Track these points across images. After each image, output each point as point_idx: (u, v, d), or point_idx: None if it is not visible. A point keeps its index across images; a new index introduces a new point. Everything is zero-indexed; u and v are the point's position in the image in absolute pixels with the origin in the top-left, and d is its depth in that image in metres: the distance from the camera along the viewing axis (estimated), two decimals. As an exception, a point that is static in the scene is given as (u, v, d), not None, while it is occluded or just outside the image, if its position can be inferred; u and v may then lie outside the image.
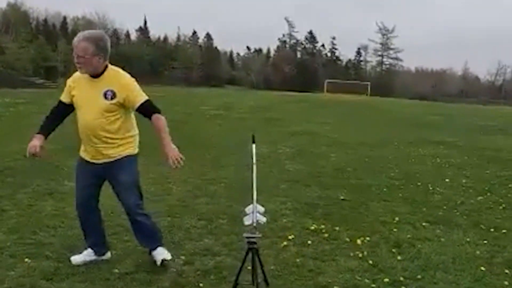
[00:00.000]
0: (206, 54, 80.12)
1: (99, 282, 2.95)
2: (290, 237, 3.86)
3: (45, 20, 64.25)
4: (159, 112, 3.13)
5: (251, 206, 2.91)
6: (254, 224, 2.84)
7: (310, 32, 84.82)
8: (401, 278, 3.14)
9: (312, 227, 4.16)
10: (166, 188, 5.47)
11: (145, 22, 79.61)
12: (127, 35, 79.54)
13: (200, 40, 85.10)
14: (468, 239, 4.04)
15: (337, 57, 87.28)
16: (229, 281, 2.92)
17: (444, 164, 8.05)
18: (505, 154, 9.59)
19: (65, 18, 68.00)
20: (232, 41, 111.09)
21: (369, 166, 7.59)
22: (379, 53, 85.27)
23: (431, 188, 6.00)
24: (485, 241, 4.01)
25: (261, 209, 2.91)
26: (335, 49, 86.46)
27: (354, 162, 7.86)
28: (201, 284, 2.95)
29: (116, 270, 3.12)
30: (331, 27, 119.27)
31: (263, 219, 2.90)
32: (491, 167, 7.95)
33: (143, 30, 79.60)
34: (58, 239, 3.65)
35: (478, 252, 3.73)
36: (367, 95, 64.53)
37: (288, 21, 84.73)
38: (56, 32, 61.52)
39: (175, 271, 3.15)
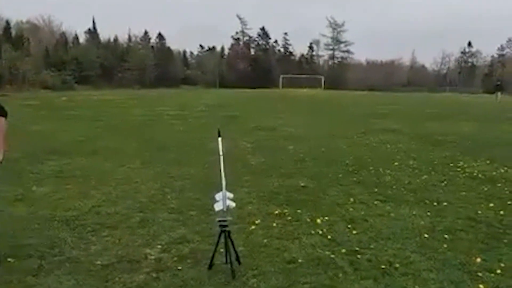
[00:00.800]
0: (159, 54, 78.97)
1: (83, 273, 3.17)
2: (256, 222, 4.21)
3: (-14, 25, 61.18)
4: (4, 115, 3.49)
5: (221, 193, 3.24)
6: (225, 209, 3.18)
7: (263, 29, 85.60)
8: (356, 248, 3.57)
9: (276, 212, 4.54)
10: (134, 187, 5.67)
11: (94, 24, 77.44)
12: (76, 37, 77.01)
13: (152, 40, 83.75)
14: (414, 213, 4.55)
15: (291, 52, 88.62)
16: (205, 263, 3.23)
17: (393, 150, 8.68)
18: (446, 137, 10.41)
19: (7, 22, 64.97)
20: (185, 40, 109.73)
21: (325, 156, 8.07)
22: (331, 47, 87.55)
23: (382, 171, 6.54)
24: (429, 213, 4.53)
25: (230, 195, 3.25)
26: (288, 44, 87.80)
27: (311, 153, 8.32)
28: (179, 267, 3.24)
29: (99, 262, 3.35)
30: (283, 23, 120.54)
31: (233, 204, 3.25)
32: (436, 150, 8.67)
33: (92, 32, 77.34)
34: (36, 239, 3.81)
35: (422, 223, 4.23)
36: (321, 88, 66.16)
37: (240, 18, 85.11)
38: (-2, 37, 58.77)
39: (154, 258, 3.42)
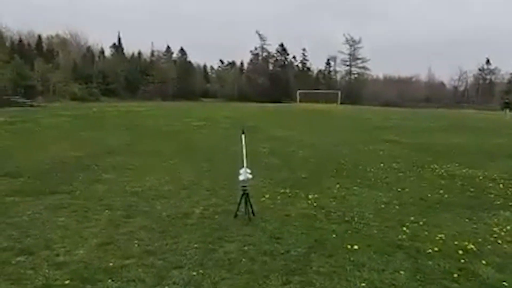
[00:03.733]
0: (180, 68, 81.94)
1: (155, 219, 5.00)
2: (266, 196, 6.03)
3: (20, 40, 64.97)
4: None
5: (243, 169, 5.07)
6: (245, 178, 5.01)
7: (281, 45, 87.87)
8: (332, 210, 5.36)
9: (281, 191, 6.35)
10: (176, 175, 7.52)
11: (119, 39, 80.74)
12: (102, 51, 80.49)
13: (174, 55, 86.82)
14: (380, 194, 6.31)
15: (308, 68, 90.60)
16: (231, 215, 5.04)
17: (385, 155, 10.40)
18: (436, 147, 12.08)
19: (40, 37, 68.85)
20: (206, 55, 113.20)
21: (327, 157, 9.84)
22: (347, 63, 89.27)
23: (367, 169, 8.29)
24: (391, 195, 6.28)
25: (249, 170, 5.08)
26: (306, 60, 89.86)
27: (315, 156, 10.10)
28: (216, 217, 5.06)
29: (164, 213, 5.19)
30: (301, 39, 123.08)
31: (250, 176, 5.08)
32: (420, 155, 10.36)
33: (118, 47, 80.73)
34: (119, 203, 5.67)
35: (383, 199, 5.99)
36: (337, 103, 67.67)
37: (259, 35, 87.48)
38: (31, 51, 62.39)
39: (199, 213, 5.24)
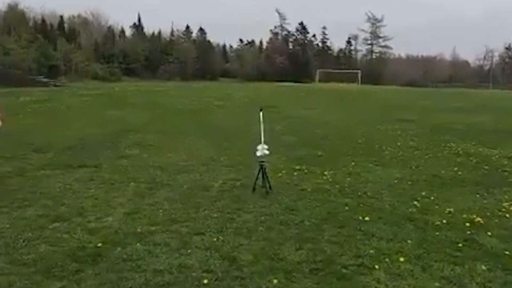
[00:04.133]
0: (200, 48, 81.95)
1: (177, 191, 5.30)
2: (283, 172, 6.27)
3: (43, 20, 65.90)
4: None
5: (260, 145, 5.31)
6: (263, 154, 5.25)
7: (301, 23, 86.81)
8: (346, 186, 5.58)
9: (297, 167, 6.58)
10: (197, 152, 7.81)
11: (139, 19, 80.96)
12: (123, 31, 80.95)
13: (194, 34, 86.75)
14: (395, 171, 6.48)
15: (328, 47, 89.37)
16: (250, 188, 5.30)
17: (401, 134, 10.49)
18: (453, 125, 12.08)
19: (61, 17, 69.66)
20: (225, 34, 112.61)
21: (344, 136, 10.01)
22: (369, 42, 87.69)
23: (383, 148, 8.43)
24: (405, 172, 6.45)
25: (266, 146, 5.31)
26: (326, 39, 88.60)
27: (332, 135, 10.27)
28: (234, 190, 5.34)
29: (185, 186, 5.49)
30: (322, 18, 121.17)
31: (267, 152, 5.31)
32: (438, 135, 10.41)
33: (138, 27, 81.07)
34: (144, 176, 5.99)
35: (397, 176, 6.17)
36: (358, 83, 66.93)
37: (279, 13, 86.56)
38: (54, 32, 63.28)
39: (218, 186, 5.52)
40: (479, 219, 4.34)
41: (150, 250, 3.53)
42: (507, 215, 4.53)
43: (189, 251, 3.53)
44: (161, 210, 4.54)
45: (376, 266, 3.27)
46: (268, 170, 5.41)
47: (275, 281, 3.02)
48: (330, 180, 5.87)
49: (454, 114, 15.69)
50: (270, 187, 5.28)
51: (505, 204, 4.90)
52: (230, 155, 7.58)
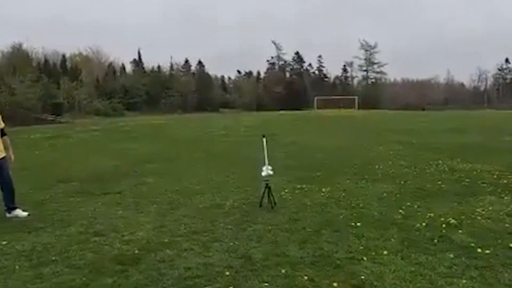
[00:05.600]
0: (199, 80, 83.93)
1: (194, 210, 6.07)
2: (286, 190, 7.07)
3: (46, 60, 67.89)
4: (5, 134, 6.14)
5: (264, 166, 6.13)
6: (267, 174, 6.06)
7: (297, 53, 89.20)
8: (342, 199, 6.35)
9: (298, 186, 7.37)
10: (207, 177, 8.61)
11: (139, 54, 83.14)
12: (123, 67, 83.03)
13: (193, 67, 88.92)
14: (385, 186, 7.27)
15: (325, 75, 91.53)
16: (257, 205, 6.08)
17: (394, 154, 11.31)
18: (443, 145, 12.92)
19: (64, 56, 71.75)
20: (223, 66, 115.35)
21: (340, 158, 10.82)
22: (364, 68, 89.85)
23: (376, 167, 9.24)
24: (394, 186, 7.24)
25: (270, 167, 6.13)
26: (322, 67, 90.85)
27: (331, 157, 11.09)
28: (244, 207, 6.12)
29: (201, 206, 6.27)
30: (317, 46, 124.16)
31: (271, 172, 6.13)
32: (427, 154, 11.23)
33: (138, 62, 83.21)
34: (163, 200, 6.78)
35: (387, 190, 6.95)
36: (355, 108, 68.23)
37: (275, 44, 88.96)
38: (57, 70, 65.16)
39: (229, 204, 6.30)
40: (454, 221, 5.11)
41: (179, 254, 4.30)
42: (479, 217, 5.29)
43: (210, 253, 4.29)
44: (182, 225, 5.31)
45: (364, 258, 4.03)
46: (272, 188, 6.20)
47: (283, 271, 3.78)
48: (328, 195, 6.66)
49: (445, 135, 16.59)
50: (275, 203, 6.06)
51: (478, 209, 5.67)
52: (237, 179, 8.38)
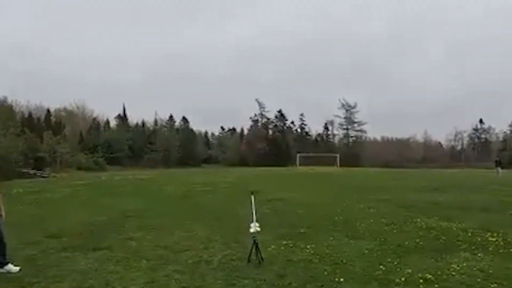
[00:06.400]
0: (183, 136, 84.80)
1: (181, 265, 6.27)
2: (272, 247, 7.33)
3: (30, 114, 68.06)
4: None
5: (252, 223, 6.45)
6: (255, 230, 6.37)
7: (280, 111, 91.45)
8: (326, 256, 6.65)
9: (284, 243, 7.65)
10: (194, 232, 8.81)
11: (124, 110, 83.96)
12: (107, 122, 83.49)
13: (177, 123, 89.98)
14: (367, 243, 7.61)
15: (307, 132, 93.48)
16: (245, 260, 6.33)
17: (374, 212, 11.72)
18: (418, 203, 13.46)
19: (48, 110, 72.10)
20: (207, 122, 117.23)
21: (322, 215, 11.17)
22: (344, 126, 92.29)
23: (358, 224, 9.60)
24: (375, 243, 7.58)
25: (257, 224, 6.45)
26: (304, 125, 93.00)
27: (314, 214, 11.42)
28: (232, 262, 6.35)
29: (190, 261, 6.48)
30: (299, 103, 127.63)
31: (259, 229, 6.44)
32: (406, 212, 11.67)
33: (122, 117, 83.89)
34: (151, 255, 6.95)
35: (367, 247, 7.28)
36: (337, 166, 69.36)
37: (259, 102, 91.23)
38: (41, 124, 65.22)
39: (218, 260, 6.52)
40: (430, 276, 5.46)
41: (172, 307, 4.51)
42: (453, 273, 5.65)
43: (202, 307, 4.52)
44: (173, 280, 5.51)
45: (348, 311, 4.31)
46: (259, 245, 6.48)
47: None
48: (312, 252, 6.96)
49: (422, 193, 17.18)
50: (262, 259, 6.33)
51: (453, 265, 6.04)
52: (222, 234, 8.60)
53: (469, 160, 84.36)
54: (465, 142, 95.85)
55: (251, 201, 6.64)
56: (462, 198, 15.19)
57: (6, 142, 47.01)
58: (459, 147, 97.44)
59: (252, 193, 6.67)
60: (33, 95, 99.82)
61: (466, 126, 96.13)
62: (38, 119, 68.21)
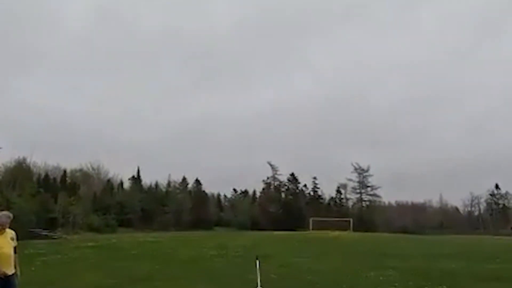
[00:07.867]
0: (195, 198, 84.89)
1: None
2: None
3: (47, 175, 69.51)
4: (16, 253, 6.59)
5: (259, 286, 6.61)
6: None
7: (292, 174, 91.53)
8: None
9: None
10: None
11: (138, 172, 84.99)
12: (121, 183, 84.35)
13: (190, 185, 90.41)
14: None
15: (320, 196, 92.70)
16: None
17: (384, 280, 11.63)
18: (433, 271, 13.30)
19: (65, 171, 73.60)
20: (219, 184, 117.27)
21: (331, 282, 11.13)
22: (358, 190, 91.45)
23: (366, 292, 9.57)
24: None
25: (263, 289, 6.60)
26: (317, 188, 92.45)
27: (322, 281, 11.39)
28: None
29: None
30: (311, 167, 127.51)
31: (264, 293, 6.58)
32: (416, 280, 11.56)
33: (136, 179, 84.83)
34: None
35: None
36: (350, 230, 68.00)
37: (271, 165, 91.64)
38: (56, 185, 66.35)
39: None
40: None
41: None
42: None
43: None
44: None
45: None
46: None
47: None
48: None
49: (435, 261, 16.90)
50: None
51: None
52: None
53: (487, 227, 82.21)
54: (482, 207, 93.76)
55: (256, 266, 6.83)
56: (475, 267, 14.93)
57: (21, 203, 47.82)
58: (476, 213, 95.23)
59: (257, 258, 6.87)
60: (51, 154, 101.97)
61: (483, 191, 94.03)
62: (54, 179, 69.50)
